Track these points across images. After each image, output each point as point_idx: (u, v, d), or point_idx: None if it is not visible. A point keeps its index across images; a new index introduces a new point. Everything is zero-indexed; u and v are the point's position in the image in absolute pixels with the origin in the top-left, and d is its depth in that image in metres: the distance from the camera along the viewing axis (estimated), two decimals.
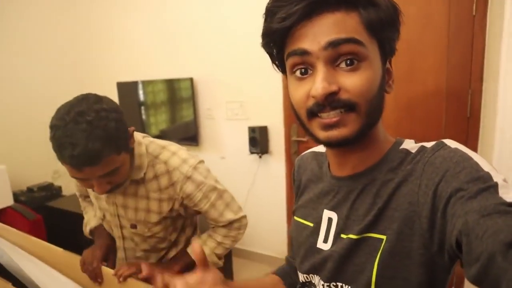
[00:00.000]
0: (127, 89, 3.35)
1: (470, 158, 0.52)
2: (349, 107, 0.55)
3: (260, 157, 2.81)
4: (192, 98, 2.96)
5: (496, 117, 1.31)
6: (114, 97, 3.43)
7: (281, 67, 0.65)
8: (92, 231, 1.32)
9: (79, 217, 2.21)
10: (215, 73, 2.90)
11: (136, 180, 1.11)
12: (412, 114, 2.15)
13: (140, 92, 3.27)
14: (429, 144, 0.59)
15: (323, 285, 0.66)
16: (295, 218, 0.77)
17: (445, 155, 0.54)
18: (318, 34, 0.54)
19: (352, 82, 0.54)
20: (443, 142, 0.58)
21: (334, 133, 0.56)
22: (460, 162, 0.51)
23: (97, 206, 1.25)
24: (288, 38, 0.57)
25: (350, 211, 0.63)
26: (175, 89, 3.08)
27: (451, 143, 0.57)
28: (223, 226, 1.22)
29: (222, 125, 2.98)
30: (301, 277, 0.73)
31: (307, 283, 0.72)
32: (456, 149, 0.54)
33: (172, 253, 1.29)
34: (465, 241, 0.43)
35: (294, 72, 0.58)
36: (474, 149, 1.87)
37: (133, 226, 1.18)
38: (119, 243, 1.26)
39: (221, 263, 1.25)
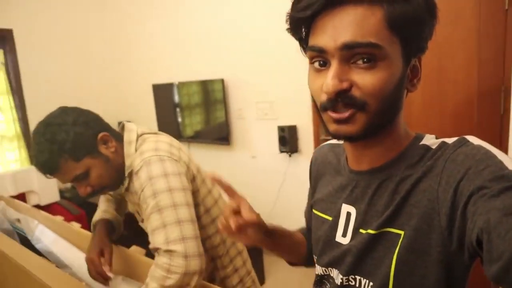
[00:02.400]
0: (162, 90, 3.48)
1: (494, 156, 0.50)
2: (358, 106, 0.55)
3: (289, 156, 2.85)
4: (224, 99, 3.04)
5: None
6: (150, 98, 3.58)
7: None
8: (93, 225, 1.28)
9: None
10: (245, 74, 2.97)
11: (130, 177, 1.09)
12: (442, 112, 2.11)
13: (175, 93, 3.40)
14: (450, 140, 0.58)
15: (341, 278, 0.66)
16: (314, 211, 0.78)
17: (467, 152, 0.53)
18: (336, 31, 0.53)
19: (365, 80, 0.54)
20: (465, 138, 0.56)
21: (342, 128, 0.57)
22: (483, 159, 0.50)
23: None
24: (311, 26, 0.58)
25: (368, 206, 0.63)
26: (208, 91, 3.17)
27: (473, 139, 0.55)
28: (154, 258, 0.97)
29: (253, 125, 3.04)
30: (320, 270, 0.73)
31: (326, 276, 0.72)
32: (479, 146, 0.53)
33: None
34: (486, 239, 0.43)
35: (313, 63, 0.59)
36: (508, 147, 1.82)
37: (142, 220, 1.18)
38: None
39: None
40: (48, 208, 3.05)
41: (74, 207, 3.06)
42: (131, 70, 3.87)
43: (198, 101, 3.26)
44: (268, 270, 2.91)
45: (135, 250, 1.36)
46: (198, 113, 3.31)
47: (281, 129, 2.76)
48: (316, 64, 0.58)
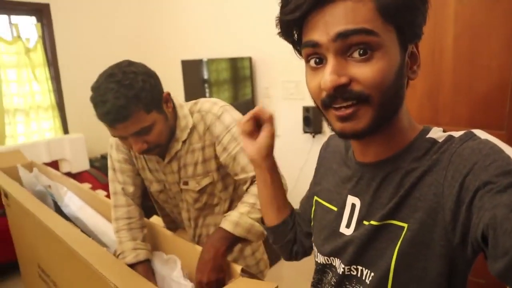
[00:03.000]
0: (191, 66, 3.52)
1: (501, 151, 0.49)
2: (361, 99, 0.54)
3: (313, 136, 2.85)
4: (251, 77, 3.05)
5: None
6: (178, 74, 3.63)
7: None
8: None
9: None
10: (272, 53, 2.95)
11: (184, 140, 1.16)
12: (472, 99, 2.04)
13: (204, 70, 3.42)
14: (457, 134, 0.57)
15: (343, 268, 0.66)
16: (319, 200, 0.78)
17: (474, 147, 0.51)
18: (328, 25, 0.52)
19: (364, 73, 0.53)
20: (472, 132, 0.55)
21: (348, 126, 0.56)
22: (490, 154, 0.49)
23: (154, 180, 1.27)
24: (303, 26, 0.57)
25: (373, 198, 0.63)
26: (237, 68, 3.18)
27: (481, 133, 0.54)
28: (254, 182, 1.12)
29: (278, 104, 3.04)
30: (322, 258, 0.73)
31: (328, 265, 0.72)
32: (486, 141, 0.52)
33: (225, 209, 1.26)
34: (492, 235, 0.42)
35: (309, 61, 0.58)
36: None
37: (185, 183, 1.21)
38: (181, 205, 1.29)
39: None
40: (78, 176, 3.21)
41: (103, 176, 3.19)
42: (161, 45, 3.92)
43: (226, 78, 3.28)
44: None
45: (156, 220, 1.43)
46: (226, 89, 3.33)
47: (306, 109, 2.75)
48: (312, 62, 0.57)
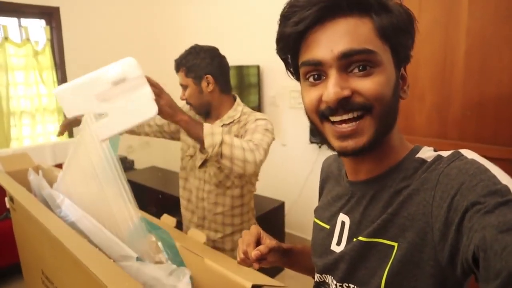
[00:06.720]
0: None
1: (487, 170, 0.50)
2: (364, 109, 0.56)
3: (319, 147, 2.83)
4: (258, 84, 3.05)
5: None
6: None
7: (296, 74, 0.66)
8: None
9: (149, 189, 2.38)
10: (281, 62, 2.94)
11: (226, 124, 1.51)
12: (481, 114, 2.02)
13: None
14: (446, 154, 0.58)
15: (335, 285, 0.67)
16: (314, 219, 0.79)
17: (460, 167, 0.52)
18: (331, 42, 0.55)
19: (365, 85, 0.55)
20: (459, 152, 0.56)
21: (350, 144, 0.57)
22: (476, 174, 0.50)
23: (191, 144, 1.59)
24: (302, 43, 0.59)
25: (362, 216, 0.64)
26: (243, 75, 3.18)
27: (468, 153, 0.55)
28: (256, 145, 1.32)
29: (285, 113, 3.04)
30: (316, 276, 0.75)
31: (321, 282, 0.74)
32: (473, 160, 0.53)
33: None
34: (483, 256, 0.42)
35: (308, 79, 0.59)
36: None
37: (201, 150, 1.39)
38: (202, 176, 1.56)
39: (217, 149, 1.23)
40: None
41: None
42: (169, 50, 3.92)
43: (233, 84, 3.27)
44: None
45: (166, 219, 1.41)
46: None
47: None
48: (311, 79, 0.59)
